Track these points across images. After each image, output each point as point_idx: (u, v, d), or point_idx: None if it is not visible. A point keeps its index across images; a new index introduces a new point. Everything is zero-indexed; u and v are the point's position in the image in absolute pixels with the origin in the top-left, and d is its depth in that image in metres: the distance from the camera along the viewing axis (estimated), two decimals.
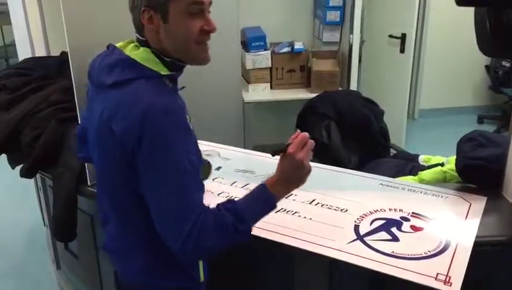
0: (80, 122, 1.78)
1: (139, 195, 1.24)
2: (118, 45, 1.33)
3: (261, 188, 1.30)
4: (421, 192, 1.90)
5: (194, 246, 1.17)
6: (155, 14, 1.21)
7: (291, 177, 1.31)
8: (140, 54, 1.26)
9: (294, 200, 1.81)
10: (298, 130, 1.32)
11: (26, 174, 2.18)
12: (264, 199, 1.30)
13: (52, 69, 2.69)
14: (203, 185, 1.28)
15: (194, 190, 1.21)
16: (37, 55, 3.04)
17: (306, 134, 1.30)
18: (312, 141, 1.31)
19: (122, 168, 1.24)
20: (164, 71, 1.27)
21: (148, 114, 1.14)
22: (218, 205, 1.26)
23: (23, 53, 3.13)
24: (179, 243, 1.17)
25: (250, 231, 1.27)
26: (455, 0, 1.59)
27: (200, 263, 1.45)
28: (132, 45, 1.30)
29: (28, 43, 3.06)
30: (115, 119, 1.19)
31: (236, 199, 1.29)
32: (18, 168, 2.28)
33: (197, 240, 1.17)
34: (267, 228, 1.67)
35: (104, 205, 1.45)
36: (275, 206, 1.30)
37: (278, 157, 1.33)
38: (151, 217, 1.23)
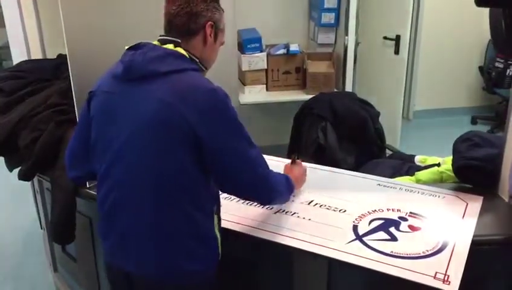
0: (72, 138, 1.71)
1: (193, 173, 1.40)
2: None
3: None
4: (418, 192, 1.92)
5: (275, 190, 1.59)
6: (212, 32, 1.50)
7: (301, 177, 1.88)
8: (182, 51, 1.45)
9: (293, 201, 1.82)
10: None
11: (24, 176, 2.18)
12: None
13: (48, 71, 2.69)
14: None
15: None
16: (33, 58, 3.04)
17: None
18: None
19: (184, 146, 1.37)
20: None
21: (217, 96, 1.39)
22: None
23: (17, 56, 3.12)
24: (267, 182, 1.53)
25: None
26: (475, 0, 1.61)
27: (219, 240, 1.53)
28: (172, 44, 1.45)
29: (24, 45, 3.06)
30: (184, 101, 1.36)
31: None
32: (15, 171, 2.28)
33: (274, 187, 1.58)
34: (266, 228, 1.68)
35: (126, 194, 1.44)
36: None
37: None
38: (198, 194, 1.43)
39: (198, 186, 1.43)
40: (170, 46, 1.44)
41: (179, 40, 1.46)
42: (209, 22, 1.48)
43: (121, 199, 1.45)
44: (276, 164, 2.12)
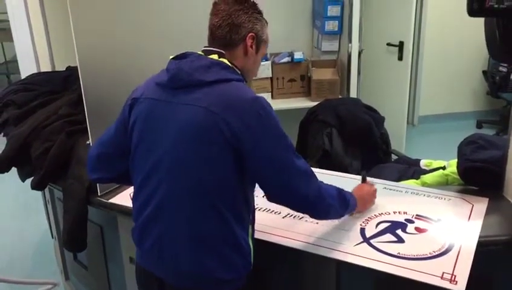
0: (93, 140, 1.78)
1: (233, 182, 1.41)
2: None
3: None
4: (424, 195, 1.94)
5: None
6: (254, 43, 1.52)
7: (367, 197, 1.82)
8: (226, 62, 1.47)
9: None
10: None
11: (37, 186, 2.21)
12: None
13: (58, 83, 2.74)
14: None
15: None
16: (42, 70, 3.10)
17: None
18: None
19: (226, 154, 1.38)
20: None
21: (261, 104, 1.40)
22: None
23: (26, 69, 3.17)
24: (316, 193, 1.47)
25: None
26: (467, 10, 1.65)
27: (252, 250, 1.52)
28: (216, 54, 1.48)
29: (33, 58, 3.11)
30: (228, 110, 1.37)
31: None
32: (28, 181, 2.32)
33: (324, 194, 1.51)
34: (275, 232, 1.71)
35: (159, 200, 1.45)
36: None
37: None
38: (237, 202, 1.43)
39: (237, 195, 1.43)
40: (214, 57, 1.47)
41: (223, 51, 1.48)
42: (251, 33, 1.51)
43: (161, 204, 1.45)
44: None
